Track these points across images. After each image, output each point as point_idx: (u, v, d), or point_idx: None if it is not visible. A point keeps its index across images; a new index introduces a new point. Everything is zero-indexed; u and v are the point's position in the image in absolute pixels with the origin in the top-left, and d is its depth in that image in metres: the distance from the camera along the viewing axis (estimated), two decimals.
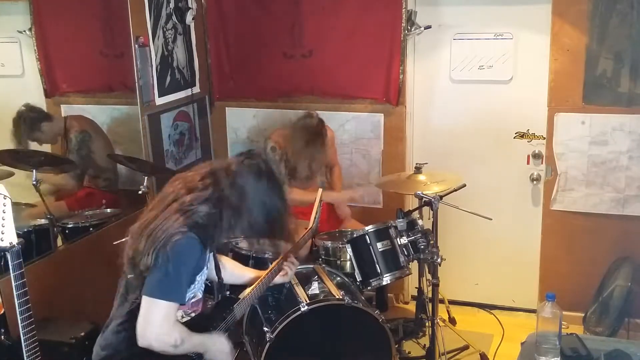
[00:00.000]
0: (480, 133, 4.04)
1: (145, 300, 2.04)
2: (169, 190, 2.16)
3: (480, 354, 3.54)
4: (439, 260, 3.25)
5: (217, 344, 2.27)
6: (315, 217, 2.88)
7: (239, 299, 2.46)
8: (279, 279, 2.69)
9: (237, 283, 2.72)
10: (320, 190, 2.98)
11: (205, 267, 2.22)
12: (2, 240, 2.09)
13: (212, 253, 2.31)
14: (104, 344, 2.21)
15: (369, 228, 3.31)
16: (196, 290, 2.19)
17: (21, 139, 3.34)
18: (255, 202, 2.15)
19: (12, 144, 3.29)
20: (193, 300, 2.24)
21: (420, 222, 3.39)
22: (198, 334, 2.19)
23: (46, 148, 3.53)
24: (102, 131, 3.74)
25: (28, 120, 3.38)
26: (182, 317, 2.21)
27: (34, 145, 3.40)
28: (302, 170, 3.82)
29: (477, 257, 4.20)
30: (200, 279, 2.19)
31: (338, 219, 3.97)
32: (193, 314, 2.25)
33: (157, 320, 2.03)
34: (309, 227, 2.86)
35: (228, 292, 2.57)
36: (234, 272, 2.65)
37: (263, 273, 2.65)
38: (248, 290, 2.54)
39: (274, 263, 2.68)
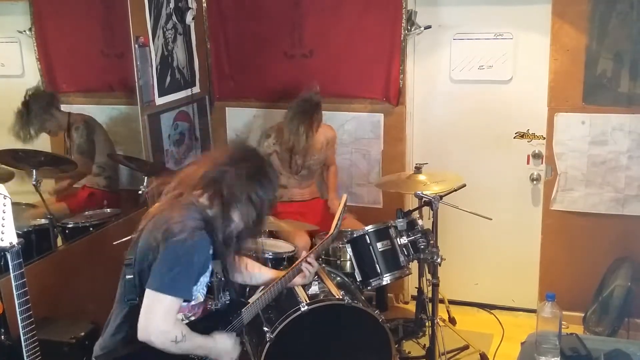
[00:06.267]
0: (480, 133, 4.04)
1: (150, 294, 2.02)
2: (172, 187, 2.18)
3: (480, 354, 3.54)
4: (439, 260, 3.25)
5: (219, 344, 2.23)
6: (337, 224, 2.81)
7: (248, 302, 2.42)
8: (299, 280, 2.66)
9: (255, 284, 2.68)
10: (345, 196, 2.90)
11: (210, 269, 2.20)
12: (2, 240, 2.09)
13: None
14: (103, 345, 2.21)
15: (369, 228, 3.30)
16: (197, 292, 2.18)
17: (27, 127, 3.31)
18: (251, 201, 2.14)
19: (16, 130, 3.26)
20: (193, 302, 2.22)
21: (420, 222, 3.39)
22: (200, 335, 2.16)
23: (46, 147, 3.52)
24: (103, 128, 3.74)
25: (42, 102, 3.37)
26: (182, 320, 2.19)
27: (37, 144, 3.38)
28: (296, 147, 3.75)
29: (477, 257, 4.20)
30: (204, 280, 2.17)
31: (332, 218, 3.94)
32: (193, 317, 2.22)
33: (160, 315, 2.01)
34: (330, 233, 2.80)
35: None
36: (251, 272, 2.60)
37: (281, 274, 2.60)
38: (258, 294, 2.51)
39: (293, 265, 2.64)
